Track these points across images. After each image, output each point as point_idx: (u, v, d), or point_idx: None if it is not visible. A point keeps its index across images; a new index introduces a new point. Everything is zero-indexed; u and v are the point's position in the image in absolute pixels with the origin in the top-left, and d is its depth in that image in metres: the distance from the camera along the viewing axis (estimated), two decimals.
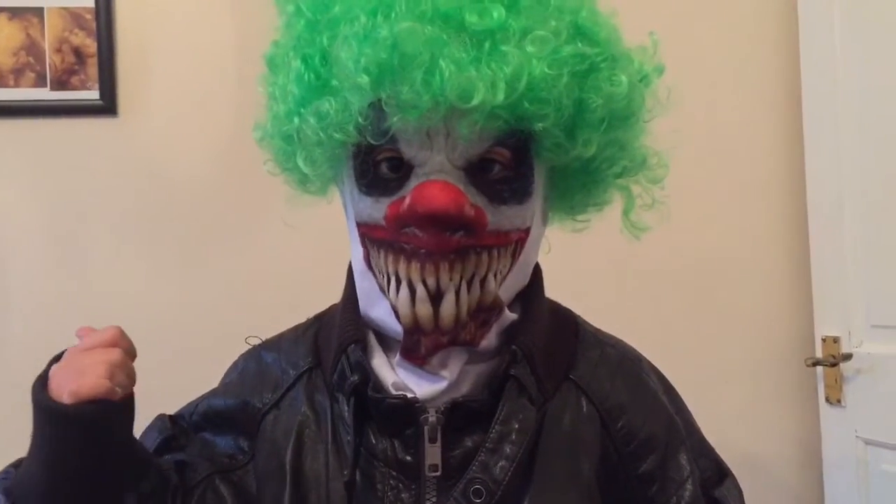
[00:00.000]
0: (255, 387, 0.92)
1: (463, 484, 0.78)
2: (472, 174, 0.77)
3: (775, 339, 2.06)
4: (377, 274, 0.82)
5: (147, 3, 1.93)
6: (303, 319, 0.98)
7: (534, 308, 0.87)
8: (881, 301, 1.81)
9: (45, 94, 1.89)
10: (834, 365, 1.87)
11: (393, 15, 0.74)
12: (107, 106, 1.91)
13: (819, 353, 1.91)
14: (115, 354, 0.78)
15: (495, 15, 0.73)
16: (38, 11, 1.89)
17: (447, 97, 0.72)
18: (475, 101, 0.72)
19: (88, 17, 1.90)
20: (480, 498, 0.77)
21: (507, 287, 0.84)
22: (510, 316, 0.84)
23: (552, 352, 0.86)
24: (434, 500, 0.80)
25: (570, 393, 0.86)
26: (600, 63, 0.79)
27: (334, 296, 0.94)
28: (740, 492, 0.93)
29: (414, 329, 0.79)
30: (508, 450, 0.78)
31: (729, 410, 1.99)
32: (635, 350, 0.96)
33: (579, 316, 0.96)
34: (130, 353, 0.81)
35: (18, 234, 1.90)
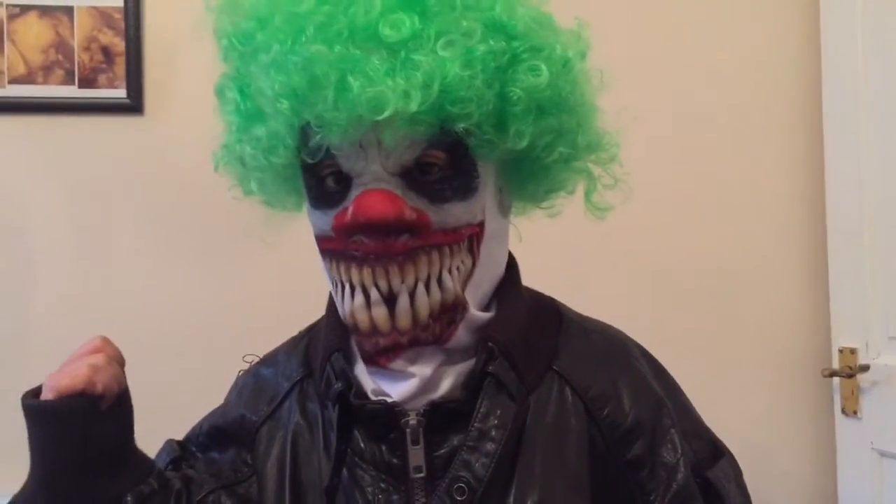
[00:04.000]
0: (252, 401, 0.95)
1: (446, 483, 0.80)
2: (409, 179, 0.79)
3: (792, 349, 2.05)
4: (331, 284, 0.85)
5: (175, 3, 1.95)
6: None
7: (510, 301, 0.88)
8: None
9: (72, 92, 1.93)
10: (851, 376, 1.86)
11: (303, 39, 0.76)
12: (133, 105, 1.94)
13: (836, 364, 1.90)
14: (98, 358, 0.82)
15: (408, 24, 0.75)
16: (68, 10, 1.92)
17: (361, 111, 0.74)
18: (388, 112, 0.74)
19: (117, 16, 1.93)
20: (463, 496, 0.79)
21: (477, 283, 0.85)
22: (481, 315, 0.85)
23: (532, 344, 0.87)
24: (423, 500, 0.82)
25: (553, 384, 0.86)
26: (521, 55, 0.80)
27: None
28: (737, 471, 0.92)
29: (372, 332, 0.81)
30: (489, 446, 0.80)
31: (744, 420, 1.99)
32: (623, 334, 0.96)
33: (563, 304, 0.96)
34: (116, 358, 0.85)
35: (44, 229, 1.93)
